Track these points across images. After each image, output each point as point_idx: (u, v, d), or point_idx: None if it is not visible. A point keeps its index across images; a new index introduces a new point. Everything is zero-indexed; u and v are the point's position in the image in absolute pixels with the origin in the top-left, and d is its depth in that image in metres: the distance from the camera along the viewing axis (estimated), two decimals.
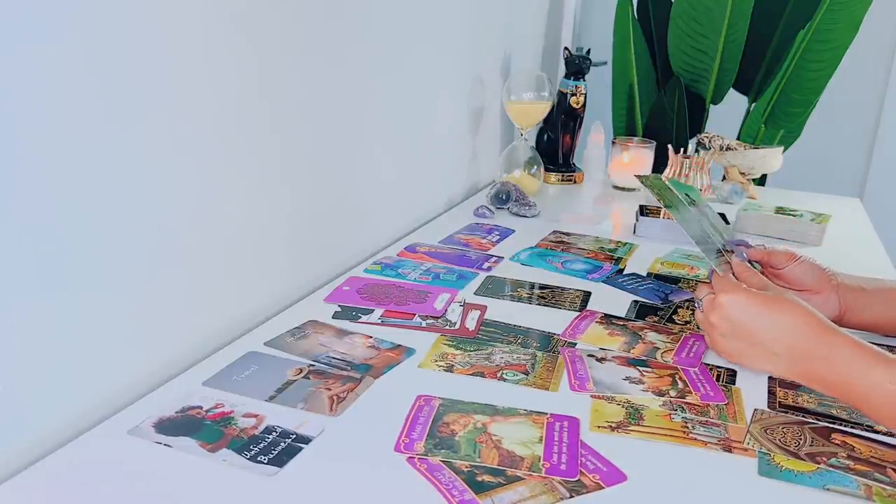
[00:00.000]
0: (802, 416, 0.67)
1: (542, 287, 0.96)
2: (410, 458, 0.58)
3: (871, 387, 0.61)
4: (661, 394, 0.69)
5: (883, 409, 0.61)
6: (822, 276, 0.82)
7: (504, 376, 0.72)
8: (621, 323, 0.85)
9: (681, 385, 0.71)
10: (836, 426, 0.65)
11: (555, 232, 1.21)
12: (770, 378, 0.73)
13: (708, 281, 0.78)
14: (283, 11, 0.79)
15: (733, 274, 0.77)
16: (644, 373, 0.73)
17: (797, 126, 1.91)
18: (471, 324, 0.83)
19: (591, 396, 0.68)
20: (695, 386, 0.71)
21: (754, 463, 0.60)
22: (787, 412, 0.67)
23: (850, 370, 0.62)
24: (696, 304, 0.77)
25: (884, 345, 0.81)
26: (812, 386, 0.67)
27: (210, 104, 0.71)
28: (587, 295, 0.94)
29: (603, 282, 0.99)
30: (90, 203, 0.59)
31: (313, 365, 0.72)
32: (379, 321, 0.83)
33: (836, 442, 0.63)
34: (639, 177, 0.88)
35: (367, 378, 0.70)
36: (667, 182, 0.86)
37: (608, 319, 0.86)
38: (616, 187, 1.54)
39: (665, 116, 1.89)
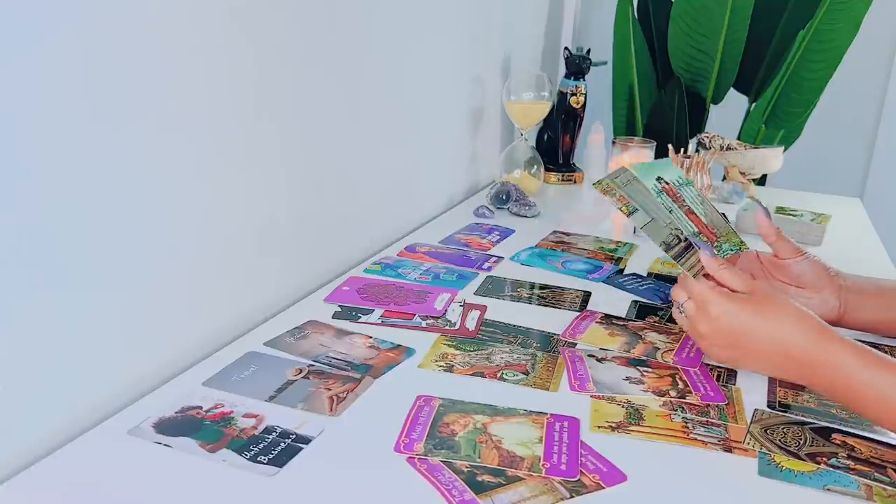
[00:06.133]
0: (802, 416, 0.67)
1: (542, 287, 0.96)
2: (410, 458, 0.58)
3: (870, 390, 0.60)
4: (661, 394, 0.69)
5: (884, 411, 0.60)
6: (824, 275, 0.80)
7: (504, 376, 0.71)
8: (621, 323, 0.85)
9: (681, 385, 0.71)
10: (836, 426, 0.65)
11: (555, 232, 1.21)
12: (770, 378, 0.73)
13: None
14: (282, 11, 0.79)
15: (705, 274, 0.72)
16: (644, 373, 0.73)
17: (797, 126, 1.90)
18: (471, 324, 0.83)
19: (591, 396, 0.68)
20: (695, 386, 0.71)
21: (754, 463, 0.60)
22: (787, 412, 0.67)
23: (849, 373, 0.61)
24: (676, 307, 0.73)
25: (883, 345, 0.81)
26: (812, 387, 0.66)
27: (209, 104, 0.71)
28: (587, 295, 0.94)
29: (603, 282, 0.99)
30: (90, 203, 0.59)
31: (313, 365, 0.72)
32: (379, 321, 0.83)
33: (836, 442, 0.63)
34: (595, 184, 0.74)
35: (367, 378, 0.70)
36: (633, 171, 0.75)
37: (608, 319, 0.86)
38: None
39: (665, 116, 1.89)
